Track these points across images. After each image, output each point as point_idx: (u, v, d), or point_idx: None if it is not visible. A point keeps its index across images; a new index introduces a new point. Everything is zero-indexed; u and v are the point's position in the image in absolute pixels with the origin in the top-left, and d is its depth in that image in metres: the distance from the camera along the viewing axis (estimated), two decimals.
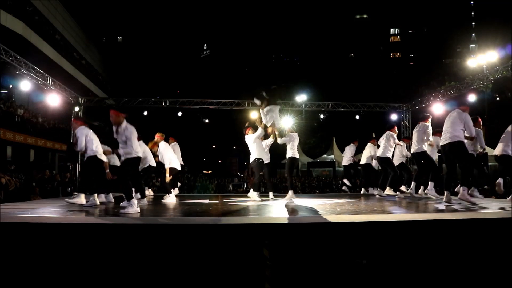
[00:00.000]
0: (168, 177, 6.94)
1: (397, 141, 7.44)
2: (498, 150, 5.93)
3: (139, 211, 4.49)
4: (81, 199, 5.54)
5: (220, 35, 51.19)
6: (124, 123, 4.76)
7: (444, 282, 3.43)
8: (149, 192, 8.33)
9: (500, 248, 3.59)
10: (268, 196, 7.04)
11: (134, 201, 4.56)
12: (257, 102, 6.61)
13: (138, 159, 4.89)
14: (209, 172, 30.01)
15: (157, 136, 7.11)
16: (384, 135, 7.41)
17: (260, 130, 6.62)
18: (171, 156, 7.04)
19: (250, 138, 6.70)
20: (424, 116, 6.77)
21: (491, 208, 5.08)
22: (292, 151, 6.77)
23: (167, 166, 6.94)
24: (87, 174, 5.77)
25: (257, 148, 6.68)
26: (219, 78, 42.12)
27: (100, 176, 5.83)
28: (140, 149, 5.02)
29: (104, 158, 5.77)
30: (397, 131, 7.60)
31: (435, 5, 44.87)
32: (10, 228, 3.38)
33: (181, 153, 8.52)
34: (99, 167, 5.70)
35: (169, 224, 3.80)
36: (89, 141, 5.52)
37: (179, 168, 7.38)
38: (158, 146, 7.10)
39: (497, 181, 5.98)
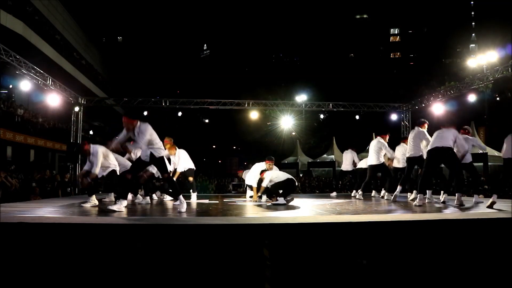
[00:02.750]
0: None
1: (388, 149, 7.22)
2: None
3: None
4: (94, 200, 5.89)
5: (220, 35, 51.17)
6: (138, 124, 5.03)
7: (444, 282, 3.43)
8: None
9: (500, 248, 3.59)
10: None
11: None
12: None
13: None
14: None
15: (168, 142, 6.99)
16: (375, 142, 7.26)
17: None
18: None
19: None
20: (421, 122, 6.46)
21: (492, 208, 5.08)
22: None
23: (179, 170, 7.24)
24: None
25: None
26: (219, 78, 42.07)
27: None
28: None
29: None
30: (387, 138, 7.34)
31: (435, 5, 44.86)
32: (10, 228, 3.38)
33: None
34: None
35: (169, 224, 3.80)
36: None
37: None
38: (175, 150, 7.22)
39: None
